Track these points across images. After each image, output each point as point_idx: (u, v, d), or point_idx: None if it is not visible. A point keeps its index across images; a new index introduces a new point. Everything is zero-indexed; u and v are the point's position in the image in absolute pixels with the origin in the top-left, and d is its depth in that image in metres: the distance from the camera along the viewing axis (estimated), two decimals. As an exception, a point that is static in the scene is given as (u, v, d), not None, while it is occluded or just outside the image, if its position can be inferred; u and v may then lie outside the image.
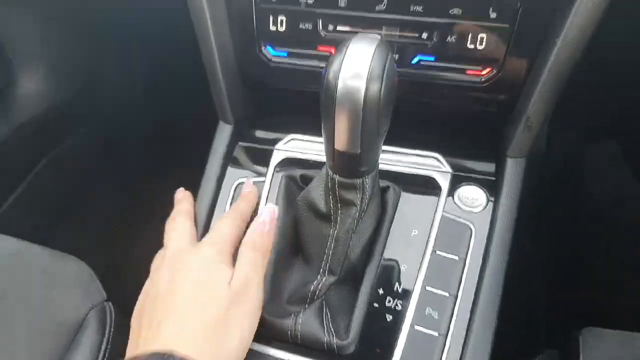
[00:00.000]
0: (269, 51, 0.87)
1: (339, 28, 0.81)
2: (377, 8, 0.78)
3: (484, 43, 0.77)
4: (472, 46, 0.77)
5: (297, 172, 0.88)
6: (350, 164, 0.68)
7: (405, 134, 0.87)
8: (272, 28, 0.84)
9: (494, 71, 0.79)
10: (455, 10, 0.76)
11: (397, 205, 0.82)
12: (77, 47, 1.38)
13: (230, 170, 0.92)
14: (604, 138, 1.54)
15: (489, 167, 0.86)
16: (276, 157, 0.91)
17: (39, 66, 1.30)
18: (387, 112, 0.63)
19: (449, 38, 0.78)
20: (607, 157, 1.50)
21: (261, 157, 0.92)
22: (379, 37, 0.63)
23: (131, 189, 1.63)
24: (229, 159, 0.94)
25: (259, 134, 0.97)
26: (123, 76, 1.58)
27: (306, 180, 0.86)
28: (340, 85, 0.59)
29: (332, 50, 0.83)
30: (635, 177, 1.39)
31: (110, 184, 1.57)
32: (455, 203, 0.82)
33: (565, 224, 1.57)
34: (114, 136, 1.55)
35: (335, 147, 0.65)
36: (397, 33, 0.79)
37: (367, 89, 0.59)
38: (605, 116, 1.52)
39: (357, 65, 0.59)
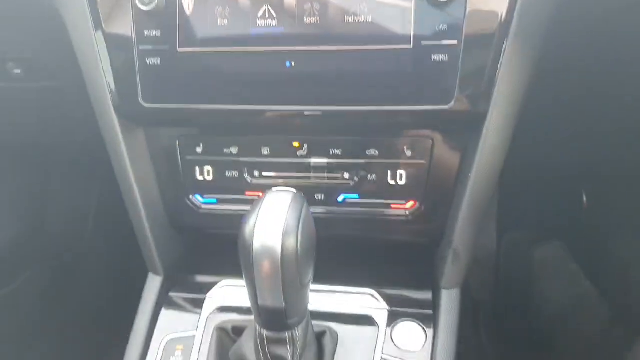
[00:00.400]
0: (197, 199, 0.87)
1: (264, 174, 0.84)
2: (298, 153, 0.82)
3: (403, 179, 0.80)
4: (393, 182, 0.80)
5: (229, 324, 0.84)
6: (277, 318, 0.65)
7: (339, 271, 0.85)
8: (200, 178, 0.85)
9: (418, 204, 0.81)
10: (372, 151, 0.80)
11: (335, 351, 0.78)
12: (18, 189, 1.36)
13: (160, 324, 0.87)
14: (552, 239, 1.58)
15: (426, 297, 0.85)
16: (208, 307, 0.87)
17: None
18: (307, 264, 0.63)
19: (369, 176, 0.81)
20: (556, 257, 1.53)
21: (193, 308, 0.88)
22: (293, 190, 0.64)
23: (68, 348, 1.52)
24: (158, 313, 0.89)
25: (191, 280, 0.94)
26: (70, 215, 1.55)
27: (239, 332, 0.81)
28: (256, 242, 0.59)
29: (260, 194, 0.85)
30: (584, 276, 1.41)
31: (46, 342, 1.45)
32: (393, 342, 0.79)
33: (519, 333, 1.54)
34: (58, 280, 1.47)
35: (258, 302, 0.63)
36: (321, 175, 0.82)
37: (283, 244, 0.58)
38: (551, 219, 1.58)
39: (271, 222, 0.59)
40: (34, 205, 1.44)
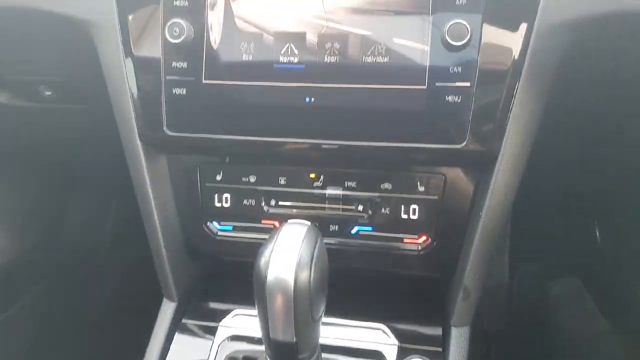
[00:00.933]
0: (214, 226, 0.89)
1: (280, 203, 0.86)
2: (314, 184, 0.84)
3: (416, 214, 0.81)
4: (405, 216, 0.82)
5: (241, 354, 0.85)
6: (288, 352, 0.65)
7: (350, 305, 0.86)
8: (218, 204, 0.88)
9: (430, 240, 0.82)
10: (386, 185, 0.81)
11: None
12: (37, 200, 1.40)
13: (172, 350, 0.88)
14: (566, 273, 1.57)
15: (436, 333, 0.85)
16: (220, 335, 0.88)
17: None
18: (319, 298, 0.64)
19: (383, 210, 0.82)
20: (572, 293, 1.51)
21: (205, 335, 0.89)
22: (308, 223, 0.66)
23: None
24: (171, 339, 0.90)
25: (204, 307, 0.96)
26: (85, 229, 1.58)
27: None
28: (269, 275, 0.60)
29: (276, 223, 0.87)
30: (601, 313, 1.39)
31: (57, 357, 1.47)
32: None
33: None
34: (72, 295, 1.50)
35: (270, 335, 0.64)
36: (336, 206, 0.84)
37: (296, 277, 0.60)
38: (564, 252, 1.57)
39: (285, 255, 0.61)
40: (51, 217, 1.47)
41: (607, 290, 1.36)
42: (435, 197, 0.80)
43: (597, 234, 1.44)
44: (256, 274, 0.62)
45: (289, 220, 0.67)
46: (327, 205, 0.84)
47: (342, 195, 0.83)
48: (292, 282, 0.59)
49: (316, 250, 0.62)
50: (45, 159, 1.41)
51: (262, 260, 0.61)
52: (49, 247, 1.44)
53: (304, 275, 0.60)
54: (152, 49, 0.78)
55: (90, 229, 1.61)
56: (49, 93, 1.04)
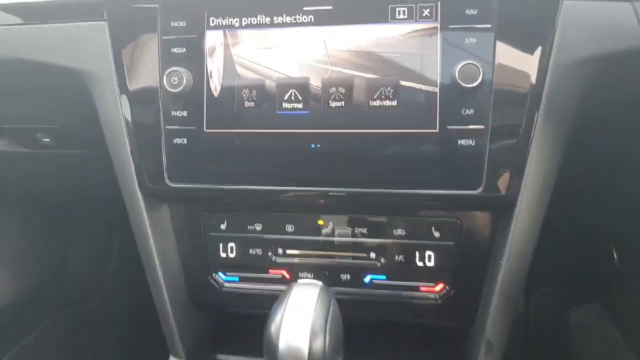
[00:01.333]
0: (220, 277, 0.86)
1: (288, 252, 0.82)
2: (323, 232, 0.80)
3: (432, 260, 0.77)
4: (421, 264, 0.78)
5: None
6: None
7: (366, 354, 0.82)
8: (223, 255, 0.84)
9: (447, 288, 0.78)
10: (399, 231, 0.78)
11: None
12: (39, 243, 1.38)
13: None
14: (584, 297, 1.51)
15: None
16: None
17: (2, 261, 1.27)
18: None
19: (397, 257, 0.78)
20: (593, 322, 1.45)
21: None
22: (320, 284, 0.62)
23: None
24: None
25: None
26: (90, 265, 1.55)
27: None
28: (281, 343, 0.57)
29: (284, 272, 0.83)
30: (626, 343, 1.33)
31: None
32: None
33: None
34: (77, 331, 1.46)
35: None
36: (346, 254, 0.80)
37: (310, 345, 0.56)
38: (581, 275, 1.52)
39: (297, 321, 0.57)
40: (53, 260, 1.44)
41: (630, 316, 1.31)
42: (452, 243, 0.76)
43: (615, 256, 1.39)
44: (267, 341, 0.58)
45: (299, 281, 0.64)
46: (337, 253, 0.80)
47: (353, 242, 0.79)
48: (305, 351, 0.56)
49: (330, 313, 0.59)
50: (46, 197, 1.39)
51: (273, 327, 0.58)
52: (51, 286, 1.41)
53: (318, 343, 0.57)
54: (150, 99, 0.75)
55: (93, 265, 1.58)
56: (47, 140, 1.02)
